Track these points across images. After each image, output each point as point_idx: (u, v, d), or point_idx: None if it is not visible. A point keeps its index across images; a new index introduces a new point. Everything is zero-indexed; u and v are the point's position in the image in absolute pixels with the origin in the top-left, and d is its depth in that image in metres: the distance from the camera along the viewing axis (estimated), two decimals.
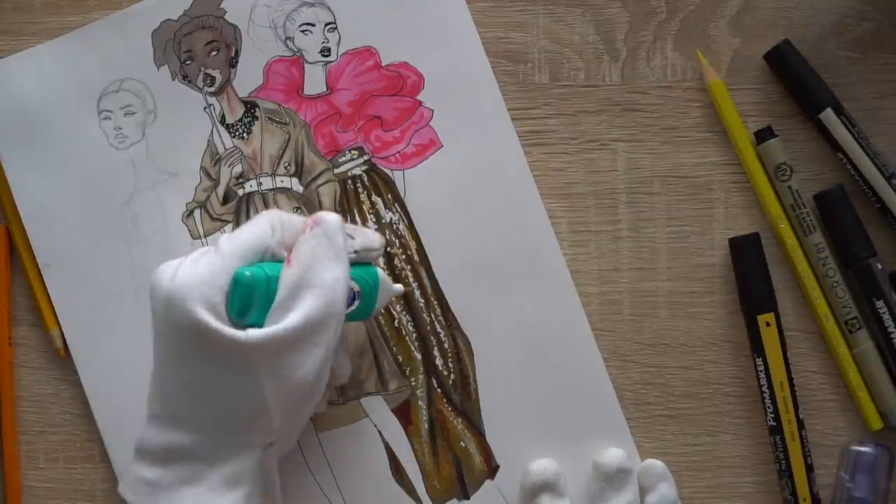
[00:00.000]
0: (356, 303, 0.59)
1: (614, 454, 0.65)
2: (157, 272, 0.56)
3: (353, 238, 0.60)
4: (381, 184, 0.69)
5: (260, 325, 0.55)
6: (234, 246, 0.56)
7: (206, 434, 0.56)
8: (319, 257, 0.56)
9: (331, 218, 0.58)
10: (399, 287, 0.64)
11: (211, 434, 0.56)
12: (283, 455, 0.61)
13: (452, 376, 0.68)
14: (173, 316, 0.54)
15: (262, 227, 0.57)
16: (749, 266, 0.67)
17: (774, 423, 0.66)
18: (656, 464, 0.66)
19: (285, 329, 0.55)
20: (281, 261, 0.57)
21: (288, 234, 0.58)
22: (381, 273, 0.62)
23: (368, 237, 0.62)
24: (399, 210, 0.69)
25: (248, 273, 0.55)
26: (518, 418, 0.68)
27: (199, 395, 0.56)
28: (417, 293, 0.69)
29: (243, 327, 0.55)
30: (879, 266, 0.67)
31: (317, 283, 0.56)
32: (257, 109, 0.70)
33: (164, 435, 0.56)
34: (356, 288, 0.59)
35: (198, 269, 0.55)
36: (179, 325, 0.54)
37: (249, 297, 0.55)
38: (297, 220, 0.59)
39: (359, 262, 0.61)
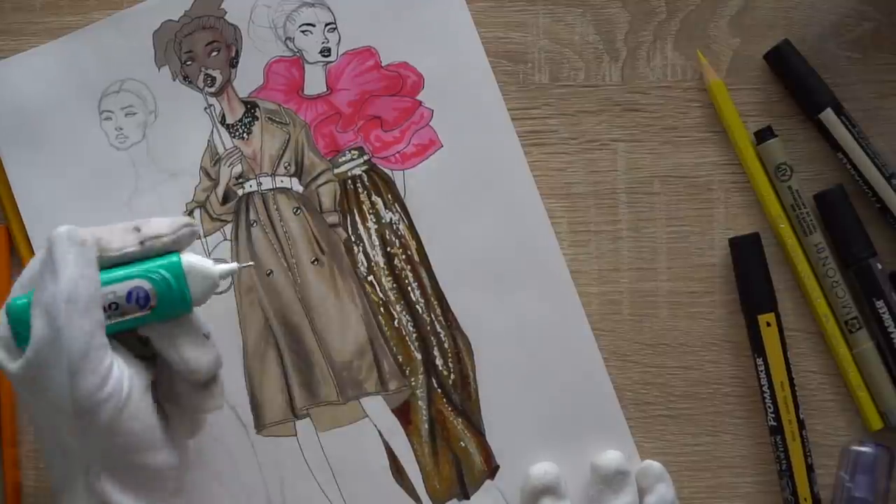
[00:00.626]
0: (151, 302, 0.56)
1: (612, 456, 0.65)
2: None
3: (139, 231, 0.57)
4: (381, 184, 0.69)
5: None
6: (20, 279, 0.57)
7: (48, 466, 0.60)
8: (38, 277, 0.56)
9: (55, 231, 0.56)
10: (225, 267, 0.58)
11: (49, 465, 0.59)
12: (144, 478, 0.58)
13: (452, 376, 0.68)
14: None
15: (40, 253, 0.57)
16: (749, 266, 0.67)
17: (775, 423, 0.66)
18: (654, 465, 0.66)
19: (27, 354, 0.55)
20: None
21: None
22: (190, 259, 0.57)
23: (154, 225, 0.57)
24: (399, 210, 0.69)
25: (15, 302, 0.56)
26: (518, 418, 0.68)
27: (38, 429, 0.60)
28: (418, 293, 0.69)
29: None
30: (879, 266, 0.67)
31: (38, 302, 0.55)
32: (257, 109, 0.70)
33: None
34: (147, 286, 0.56)
35: None
36: None
37: (21, 325, 0.55)
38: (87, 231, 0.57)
39: (150, 255, 0.57)
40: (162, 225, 0.57)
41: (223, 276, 0.58)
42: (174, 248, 0.58)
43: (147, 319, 0.57)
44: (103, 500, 0.56)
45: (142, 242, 0.57)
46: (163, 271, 0.56)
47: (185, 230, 0.58)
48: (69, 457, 0.57)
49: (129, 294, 0.56)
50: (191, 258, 0.57)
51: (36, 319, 0.54)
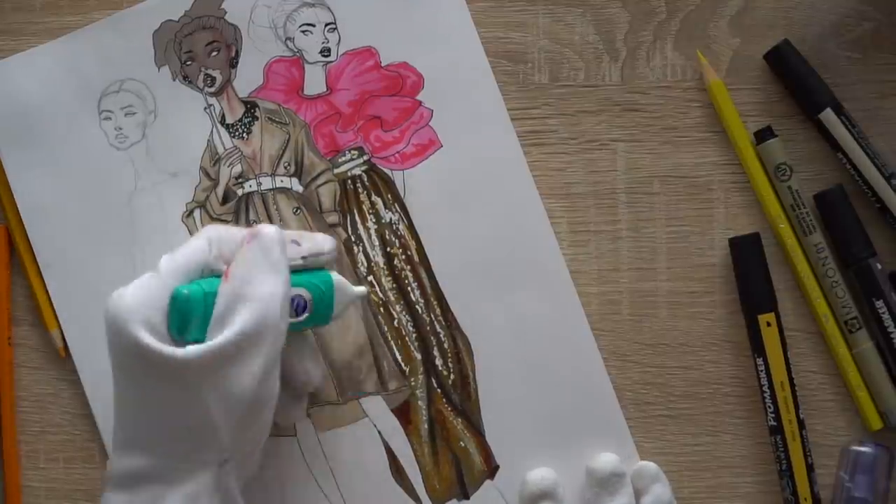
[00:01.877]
0: (307, 311, 0.59)
1: (607, 459, 0.65)
2: (109, 298, 0.57)
3: (299, 245, 0.60)
4: (381, 184, 0.69)
5: (201, 342, 0.56)
6: (172, 266, 0.57)
7: (161, 455, 0.57)
8: (255, 271, 0.57)
9: (267, 230, 0.58)
10: (361, 290, 0.63)
11: (165, 454, 0.57)
12: (246, 475, 0.60)
13: (452, 376, 0.68)
14: (117, 339, 0.55)
15: (200, 243, 0.58)
16: (749, 266, 0.67)
17: (775, 423, 0.66)
18: (649, 465, 0.66)
19: (220, 344, 0.55)
20: (220, 276, 0.57)
21: (227, 248, 0.58)
22: (338, 277, 0.61)
23: (317, 242, 0.61)
24: (399, 210, 0.69)
25: (185, 291, 0.56)
26: (518, 418, 0.68)
27: (149, 416, 0.57)
28: (417, 293, 0.69)
29: (185, 345, 0.55)
30: (879, 266, 0.67)
31: (252, 296, 0.56)
32: (257, 109, 0.70)
33: (124, 460, 0.57)
34: (307, 296, 0.59)
35: (139, 290, 0.56)
36: (123, 347, 0.55)
37: (187, 314, 0.56)
38: (237, 233, 0.59)
39: (309, 268, 0.60)
40: (324, 243, 0.62)
41: (360, 297, 0.63)
42: (327, 265, 0.62)
43: (298, 326, 0.60)
44: (227, 493, 0.57)
45: (304, 258, 0.60)
46: (320, 286, 0.60)
47: (335, 252, 0.62)
48: (201, 449, 0.57)
49: (293, 301, 0.59)
50: (337, 276, 0.62)
51: (244, 312, 0.56)
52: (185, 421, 0.56)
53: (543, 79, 0.69)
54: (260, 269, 0.57)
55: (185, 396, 0.56)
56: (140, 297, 0.56)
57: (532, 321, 0.68)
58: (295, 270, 0.59)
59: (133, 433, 0.57)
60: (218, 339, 0.55)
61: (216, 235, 0.59)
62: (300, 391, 0.63)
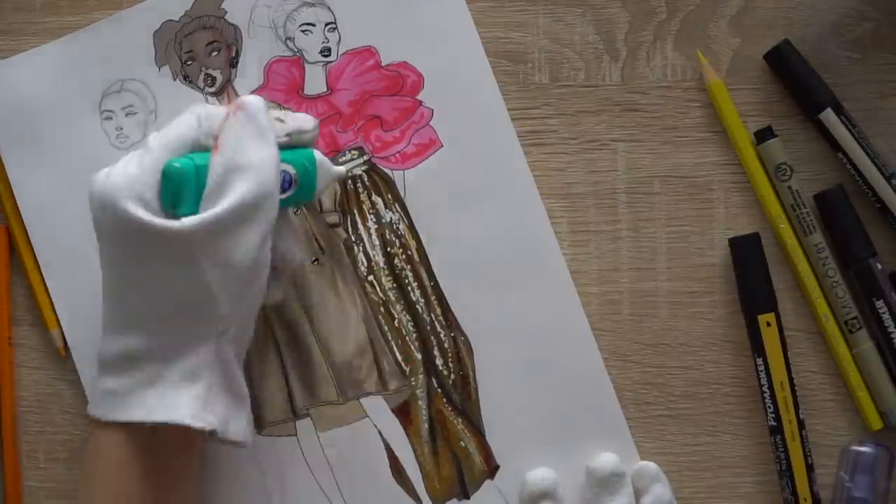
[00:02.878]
0: (293, 186, 0.60)
1: (606, 459, 0.65)
2: (93, 178, 0.57)
3: (283, 122, 0.60)
4: (381, 184, 0.69)
5: (195, 213, 0.56)
6: (161, 142, 0.57)
7: (157, 332, 0.57)
8: (245, 140, 0.57)
9: (251, 99, 0.58)
10: (340, 169, 0.63)
11: (162, 331, 0.57)
12: (242, 346, 0.60)
13: (452, 376, 0.68)
14: (108, 216, 0.55)
15: (188, 119, 0.58)
16: (749, 266, 0.67)
17: (775, 423, 0.66)
18: (649, 465, 0.66)
19: (218, 213, 0.55)
20: (209, 150, 0.58)
21: (215, 123, 0.58)
22: (319, 154, 0.62)
23: (299, 119, 0.61)
24: (399, 210, 0.69)
25: (176, 164, 0.56)
26: (518, 418, 0.68)
27: (143, 293, 0.57)
28: (418, 293, 0.69)
29: (178, 219, 0.56)
30: (879, 266, 0.67)
31: (245, 165, 0.56)
32: None
33: (118, 341, 0.57)
34: (292, 171, 0.60)
35: (129, 167, 0.56)
36: (114, 224, 0.55)
37: (179, 187, 0.56)
38: (222, 108, 0.59)
39: (292, 145, 0.61)
40: (305, 121, 0.61)
41: (340, 175, 0.63)
42: (309, 144, 0.62)
43: (284, 203, 0.60)
44: (226, 365, 0.58)
45: (288, 134, 0.60)
46: (305, 161, 0.60)
47: (317, 130, 0.62)
48: (199, 322, 0.57)
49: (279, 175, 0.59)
50: (319, 154, 0.62)
51: (240, 181, 0.56)
52: (182, 294, 0.56)
53: (543, 79, 0.69)
54: (250, 138, 0.57)
55: (182, 269, 0.55)
56: (131, 173, 0.56)
57: (532, 321, 0.68)
58: (279, 147, 0.59)
59: (125, 313, 0.57)
60: (216, 208, 0.55)
61: (204, 112, 0.58)
62: (280, 270, 0.62)
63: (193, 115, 0.58)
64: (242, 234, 0.56)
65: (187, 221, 0.55)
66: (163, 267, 0.56)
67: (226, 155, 0.57)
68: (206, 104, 0.60)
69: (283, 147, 0.60)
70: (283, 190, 0.59)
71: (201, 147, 0.58)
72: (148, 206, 0.56)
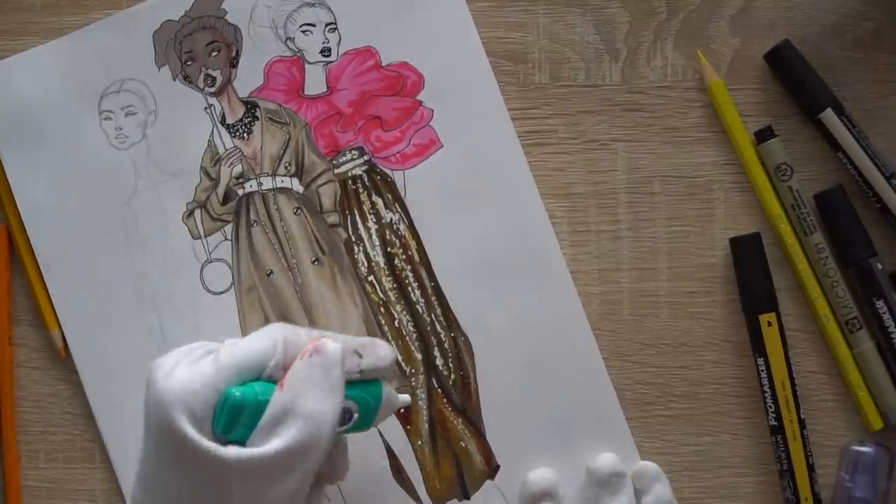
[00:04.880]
0: (352, 422, 0.59)
1: (607, 459, 0.65)
2: (154, 366, 0.56)
3: (360, 356, 0.59)
4: (382, 184, 0.69)
5: (242, 442, 0.55)
6: (232, 360, 0.56)
7: None
8: (311, 387, 0.56)
9: (331, 348, 0.57)
10: (405, 398, 0.62)
11: None
12: None
13: (452, 376, 0.68)
14: (158, 417, 0.55)
15: (265, 345, 0.57)
16: (749, 266, 0.67)
17: (776, 423, 0.66)
18: (649, 465, 0.66)
19: (262, 454, 0.54)
20: (275, 382, 0.56)
21: (291, 352, 0.57)
22: (387, 389, 0.60)
23: (378, 355, 0.60)
24: (399, 210, 0.69)
25: (237, 394, 0.55)
26: (518, 418, 0.68)
27: (171, 496, 0.56)
28: (418, 293, 0.69)
29: (225, 442, 0.55)
30: (879, 266, 0.67)
31: (303, 413, 0.55)
32: (258, 109, 0.70)
33: None
34: (354, 408, 0.58)
35: (192, 377, 0.55)
36: (163, 427, 0.55)
37: (235, 417, 0.55)
38: (304, 335, 0.58)
39: (364, 379, 0.59)
40: (383, 357, 0.60)
41: (404, 404, 0.62)
42: (382, 378, 0.61)
43: (341, 433, 0.59)
44: None
45: (362, 371, 0.59)
46: (370, 399, 0.59)
47: (393, 365, 0.61)
48: None
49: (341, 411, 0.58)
50: (387, 388, 0.60)
51: (293, 428, 0.55)
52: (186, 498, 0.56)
53: (544, 79, 0.69)
54: (316, 387, 0.56)
55: (213, 490, 0.55)
56: (190, 383, 0.55)
57: (532, 321, 0.68)
58: (349, 381, 0.58)
59: (154, 500, 0.57)
60: (262, 448, 0.55)
61: (282, 338, 0.57)
62: (321, 482, 0.61)
63: (272, 339, 0.57)
64: (281, 479, 0.55)
65: (232, 452, 0.54)
66: (196, 479, 0.55)
67: (288, 395, 0.56)
68: (286, 327, 0.58)
69: (353, 382, 0.58)
70: (341, 424, 0.58)
71: (269, 378, 0.57)
72: (197, 419, 0.55)
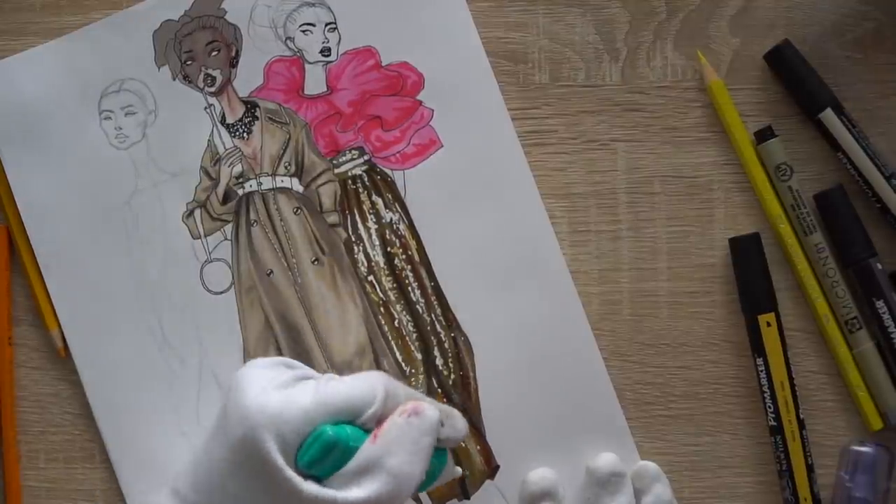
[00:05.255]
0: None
1: (606, 459, 0.65)
2: (244, 379, 0.57)
3: (442, 426, 0.59)
4: (382, 184, 0.69)
5: (320, 479, 0.56)
6: (332, 399, 0.57)
7: None
8: (404, 448, 0.57)
9: (430, 415, 0.57)
10: (458, 470, 0.63)
11: None
12: None
13: (452, 376, 0.68)
14: (245, 432, 0.55)
15: (367, 392, 0.58)
16: (749, 266, 0.67)
17: (775, 423, 0.66)
18: (649, 465, 0.66)
19: (340, 499, 0.55)
20: (366, 430, 0.57)
21: (389, 406, 0.58)
22: (450, 460, 0.61)
23: (456, 427, 0.61)
24: (399, 210, 0.69)
25: (331, 433, 0.56)
26: (518, 418, 0.68)
27: (228, 499, 0.57)
28: (418, 293, 0.69)
29: (305, 475, 0.55)
30: (879, 266, 0.67)
31: (390, 470, 0.56)
32: (257, 109, 0.70)
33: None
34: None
35: (289, 404, 0.56)
36: (247, 442, 0.55)
37: (324, 455, 0.56)
38: (402, 391, 0.59)
39: (437, 447, 0.60)
40: (461, 430, 0.60)
41: (456, 476, 0.63)
42: (450, 446, 0.61)
43: None
44: None
45: (439, 440, 0.59)
46: (437, 465, 0.59)
47: (464, 436, 0.61)
48: None
49: None
50: (450, 460, 0.61)
51: (377, 482, 0.55)
52: None
53: (544, 79, 0.69)
54: (408, 450, 0.57)
55: None
56: (286, 411, 0.56)
57: (532, 321, 0.68)
58: None
59: (206, 499, 0.58)
60: (342, 493, 0.55)
61: (384, 391, 0.58)
62: None
63: (372, 387, 0.58)
64: None
65: (312, 488, 0.55)
66: (264, 500, 0.56)
67: (379, 450, 0.56)
68: (392, 381, 0.59)
69: None
70: None
71: (363, 424, 0.57)
72: (286, 447, 0.55)
